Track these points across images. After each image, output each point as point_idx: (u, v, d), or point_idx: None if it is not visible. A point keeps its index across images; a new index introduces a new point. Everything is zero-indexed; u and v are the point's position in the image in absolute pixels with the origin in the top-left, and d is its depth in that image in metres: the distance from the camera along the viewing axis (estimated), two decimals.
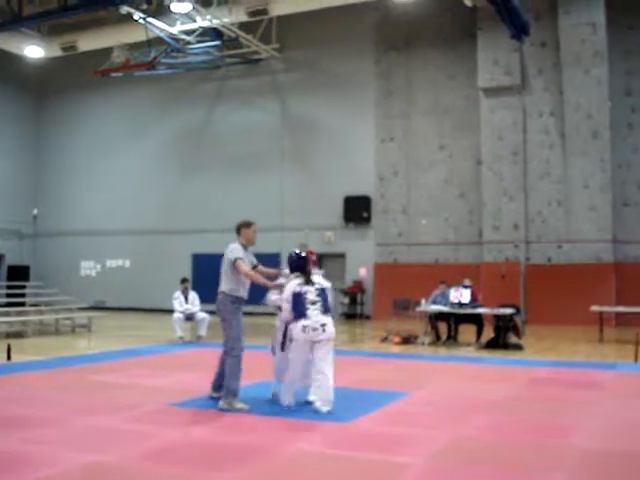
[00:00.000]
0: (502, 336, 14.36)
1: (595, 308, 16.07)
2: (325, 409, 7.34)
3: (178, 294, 15.79)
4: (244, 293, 7.90)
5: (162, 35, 23.02)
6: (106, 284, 27.78)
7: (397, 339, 15.40)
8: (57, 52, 25.80)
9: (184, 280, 16.18)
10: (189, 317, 15.63)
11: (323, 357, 7.50)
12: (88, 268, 28.63)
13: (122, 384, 9.47)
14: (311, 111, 24.71)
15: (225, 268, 7.83)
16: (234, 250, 7.81)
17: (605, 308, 16.49)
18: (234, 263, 7.69)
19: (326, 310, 7.65)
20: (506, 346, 14.20)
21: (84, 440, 6.35)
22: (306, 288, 7.67)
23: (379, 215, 23.32)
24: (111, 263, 28.11)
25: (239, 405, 7.54)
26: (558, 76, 20.61)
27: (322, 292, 7.72)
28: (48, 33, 25.60)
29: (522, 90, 21.08)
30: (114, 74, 25.28)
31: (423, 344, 15.02)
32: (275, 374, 8.26)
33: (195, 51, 24.23)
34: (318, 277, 7.92)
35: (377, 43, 23.71)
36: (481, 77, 21.25)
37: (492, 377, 10.44)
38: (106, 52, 24.70)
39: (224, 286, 7.82)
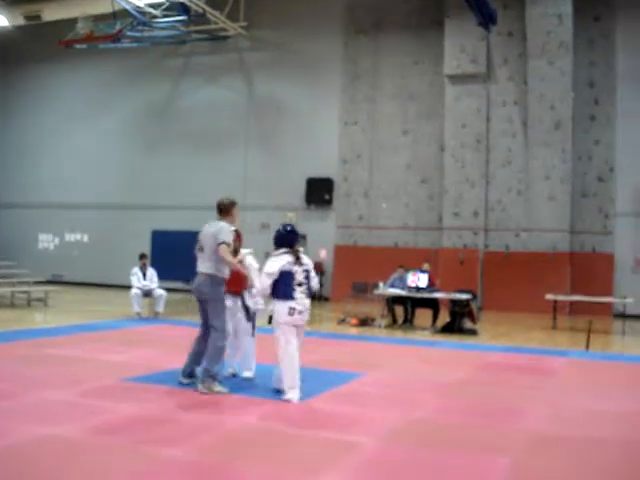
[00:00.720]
0: (457, 321, 14.55)
1: (550, 296, 16.33)
2: (293, 397, 7.09)
3: (136, 270, 15.71)
4: (227, 274, 7.58)
5: (128, 8, 22.68)
6: (64, 258, 27.47)
7: (354, 321, 15.51)
8: (20, 21, 25.28)
9: (142, 256, 16.08)
10: (147, 293, 15.57)
11: (300, 339, 7.38)
12: (46, 241, 28.29)
13: (77, 358, 9.42)
14: (277, 91, 24.59)
15: (210, 247, 7.38)
16: (225, 231, 7.36)
17: (559, 297, 16.75)
18: (219, 245, 7.26)
19: (310, 293, 7.40)
20: (461, 331, 14.40)
21: (36, 413, 6.34)
22: (296, 268, 7.25)
23: (341, 198, 23.36)
24: (70, 237, 27.79)
25: (218, 388, 7.34)
26: (523, 66, 20.77)
27: (307, 273, 7.37)
28: (12, 1, 25.06)
29: (487, 78, 21.22)
30: (78, 46, 24.86)
31: (380, 327, 15.15)
32: (232, 352, 8.32)
33: (161, 25, 23.93)
34: (305, 257, 7.44)
35: (346, 26, 23.64)
36: (447, 64, 21.33)
37: (446, 361, 10.58)
38: (71, 23, 24.27)
39: (209, 267, 7.43)
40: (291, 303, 7.15)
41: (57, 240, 28.06)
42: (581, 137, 20.64)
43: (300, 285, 7.23)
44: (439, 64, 21.71)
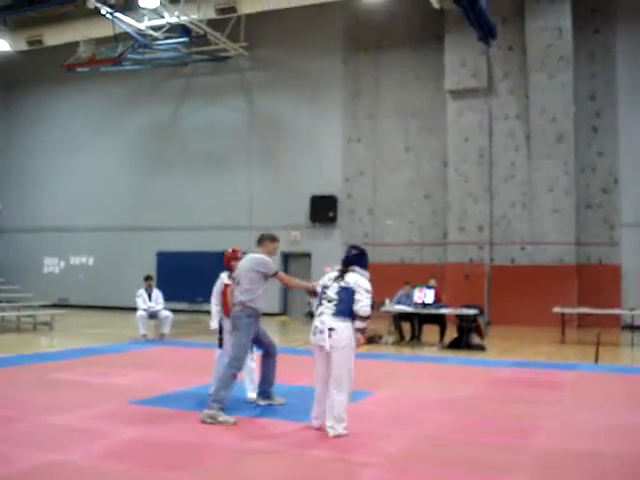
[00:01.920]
0: (465, 336, 14.46)
1: (557, 309, 16.22)
2: (332, 433, 6.41)
3: (141, 292, 15.67)
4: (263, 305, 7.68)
5: (129, 30, 22.81)
6: (69, 281, 27.47)
7: (361, 339, 15.39)
8: (23, 46, 25.43)
9: (148, 278, 16.05)
10: (152, 315, 15.53)
11: (329, 367, 6.62)
12: (51, 265, 28.30)
13: (82, 382, 9.36)
14: (279, 110, 24.65)
15: (249, 279, 7.47)
16: (268, 263, 7.52)
17: (567, 310, 16.65)
18: (275, 275, 7.55)
19: (341, 313, 6.56)
20: (469, 346, 14.30)
21: (41, 438, 6.29)
22: (331, 283, 6.71)
23: (345, 215, 23.34)
24: (75, 260, 27.80)
25: (222, 418, 6.90)
26: (524, 80, 20.79)
27: (344, 291, 6.58)
28: (14, 27, 25.22)
29: (488, 93, 21.24)
30: (80, 69, 24.97)
31: (387, 344, 15.06)
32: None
33: (162, 47, 24.04)
34: (354, 274, 6.69)
35: (345, 43, 23.72)
36: (448, 79, 21.37)
37: (454, 377, 10.49)
38: (73, 47, 24.39)
39: (244, 297, 7.46)
40: (316, 321, 6.66)
41: (62, 264, 28.07)
42: (584, 149, 20.62)
43: (330, 301, 6.61)
44: (440, 79, 21.74)
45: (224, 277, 8.56)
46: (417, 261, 22.22)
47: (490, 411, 7.84)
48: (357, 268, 6.77)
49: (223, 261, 8.58)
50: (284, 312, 23.81)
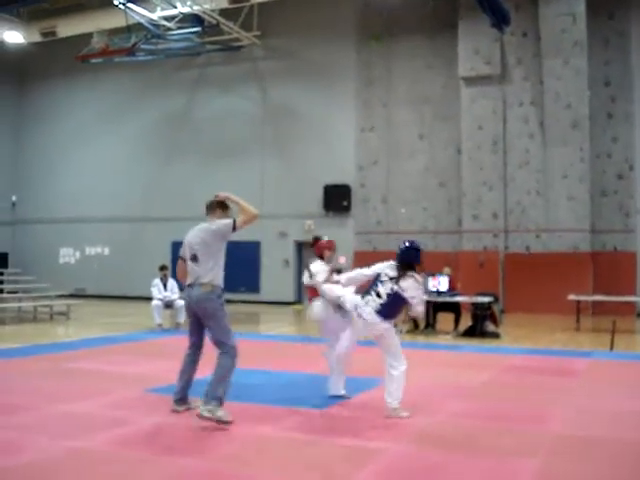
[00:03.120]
0: (479, 324, 14.45)
1: (572, 297, 16.19)
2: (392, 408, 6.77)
3: (157, 281, 15.75)
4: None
5: (142, 21, 22.86)
6: (85, 271, 27.64)
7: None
8: (37, 38, 25.58)
9: (163, 267, 16.11)
10: (168, 304, 15.59)
11: (385, 351, 7.06)
12: (67, 255, 28.48)
13: (99, 371, 9.45)
14: (292, 99, 24.64)
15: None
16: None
17: (582, 297, 16.62)
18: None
19: (383, 314, 6.82)
20: (483, 334, 14.29)
21: (59, 426, 6.36)
22: (387, 279, 6.85)
23: (359, 204, 23.33)
24: (90, 250, 27.97)
25: (220, 413, 6.32)
26: (538, 66, 20.68)
27: (395, 296, 6.78)
28: (28, 19, 25.34)
29: (502, 80, 21.14)
30: (94, 60, 25.07)
31: (401, 332, 15.05)
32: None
33: (175, 37, 24.06)
34: (408, 281, 6.81)
35: (358, 32, 23.65)
36: (461, 66, 21.28)
37: (469, 365, 10.49)
38: (86, 38, 24.49)
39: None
40: (358, 302, 6.96)
41: (78, 254, 28.24)
42: (599, 135, 20.49)
43: (379, 296, 6.82)
44: (453, 67, 21.66)
45: (319, 266, 8.07)
46: (431, 249, 22.14)
47: (504, 398, 7.85)
48: (414, 274, 6.89)
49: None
50: (299, 300, 23.88)
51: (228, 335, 6.64)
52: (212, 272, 6.78)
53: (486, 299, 14.58)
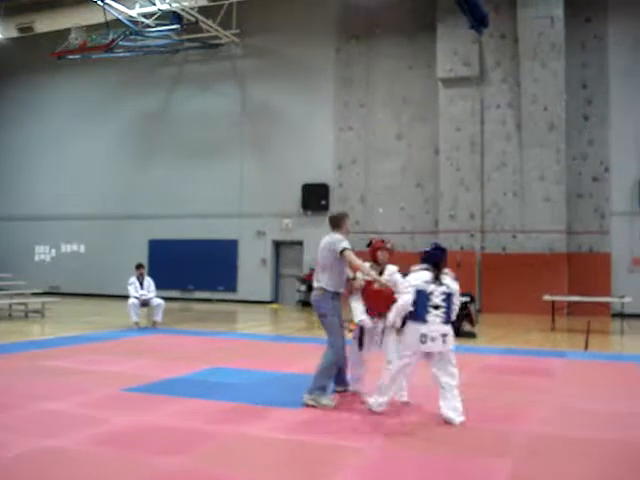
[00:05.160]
0: (456, 324, 14.48)
1: (548, 297, 16.32)
2: (458, 420, 6.52)
3: (133, 280, 15.67)
4: (343, 288, 7.52)
5: (121, 17, 22.76)
6: (61, 269, 27.45)
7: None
8: (13, 33, 25.41)
9: (139, 266, 16.04)
10: (144, 303, 15.53)
11: (443, 368, 6.76)
12: (42, 253, 28.26)
13: (75, 370, 9.38)
14: (271, 98, 24.61)
15: (326, 262, 7.42)
16: (340, 240, 7.35)
17: (557, 297, 16.74)
18: (342, 252, 7.24)
19: (448, 319, 6.68)
20: (459, 334, 14.33)
21: (35, 425, 6.30)
22: (433, 287, 6.63)
23: (337, 203, 23.34)
24: (66, 248, 27.77)
25: (325, 402, 7.13)
26: (516, 68, 20.81)
27: (448, 298, 6.66)
28: (4, 14, 25.11)
29: (480, 81, 21.26)
30: (71, 56, 24.94)
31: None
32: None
33: (154, 34, 24.00)
34: (449, 277, 6.79)
35: (338, 31, 23.67)
36: (440, 68, 21.37)
37: None
38: (64, 34, 24.33)
39: (324, 281, 7.38)
40: (423, 328, 6.57)
41: (53, 251, 28.04)
42: (575, 137, 20.67)
43: (437, 308, 6.59)
44: (432, 68, 21.77)
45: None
46: (409, 249, 22.25)
47: (480, 398, 7.89)
48: (448, 271, 6.86)
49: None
50: (275, 300, 23.87)
51: (336, 334, 7.46)
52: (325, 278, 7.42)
53: (462, 299, 14.61)
